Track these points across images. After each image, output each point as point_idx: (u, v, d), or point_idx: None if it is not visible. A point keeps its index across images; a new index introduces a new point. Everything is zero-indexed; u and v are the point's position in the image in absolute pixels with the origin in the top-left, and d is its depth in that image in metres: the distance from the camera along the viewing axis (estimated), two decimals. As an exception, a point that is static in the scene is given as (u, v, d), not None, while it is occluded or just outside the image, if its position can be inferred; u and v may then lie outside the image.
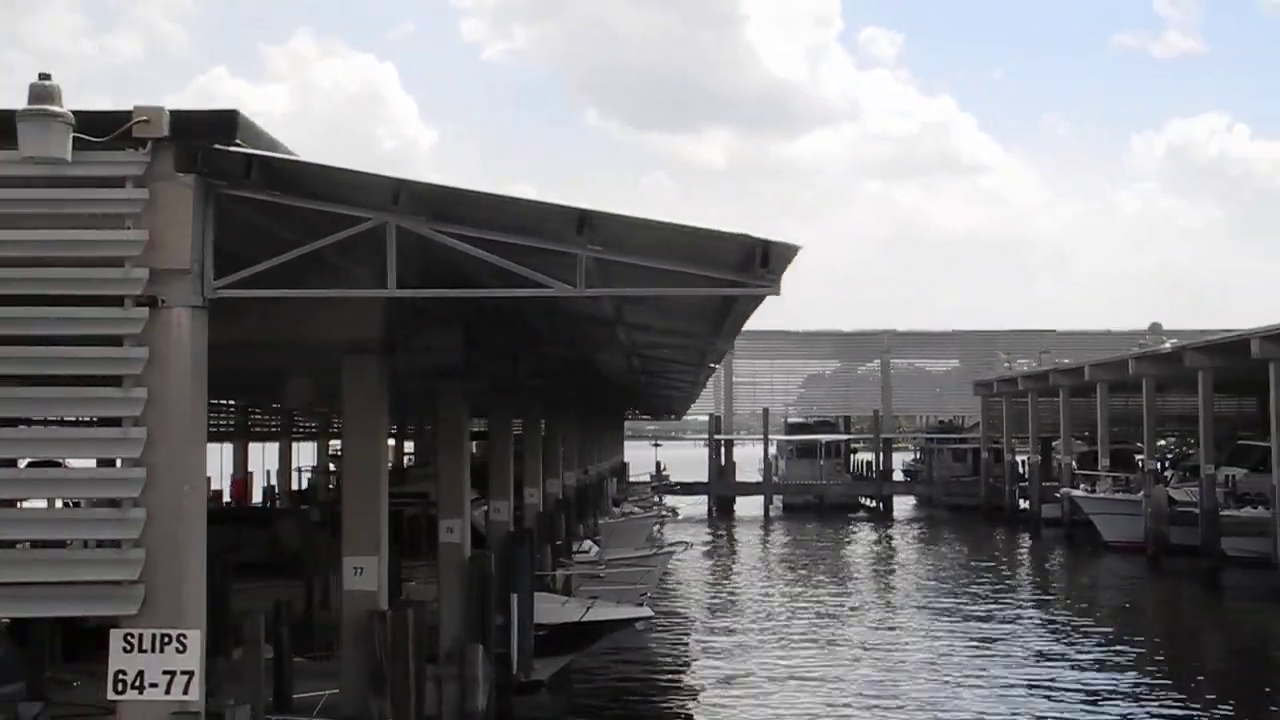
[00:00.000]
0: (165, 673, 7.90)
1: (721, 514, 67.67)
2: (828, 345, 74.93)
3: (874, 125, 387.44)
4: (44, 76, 7.69)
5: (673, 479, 68.99)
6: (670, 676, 25.03)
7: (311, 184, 8.38)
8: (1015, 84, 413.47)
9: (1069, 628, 30.41)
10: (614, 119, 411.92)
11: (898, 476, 75.92)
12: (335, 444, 53.40)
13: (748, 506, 69.21)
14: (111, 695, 7.90)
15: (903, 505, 71.30)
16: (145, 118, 7.82)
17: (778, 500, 70.96)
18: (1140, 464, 55.42)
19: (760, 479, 71.83)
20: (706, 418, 74.71)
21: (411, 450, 63.06)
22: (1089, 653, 26.75)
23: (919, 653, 26.53)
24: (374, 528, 13.14)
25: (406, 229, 8.38)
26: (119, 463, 8.13)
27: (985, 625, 30.33)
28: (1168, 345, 43.90)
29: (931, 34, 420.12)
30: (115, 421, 7.98)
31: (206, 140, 7.95)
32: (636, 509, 48.24)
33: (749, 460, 77.02)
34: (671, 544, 34.88)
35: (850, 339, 74.97)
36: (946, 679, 23.85)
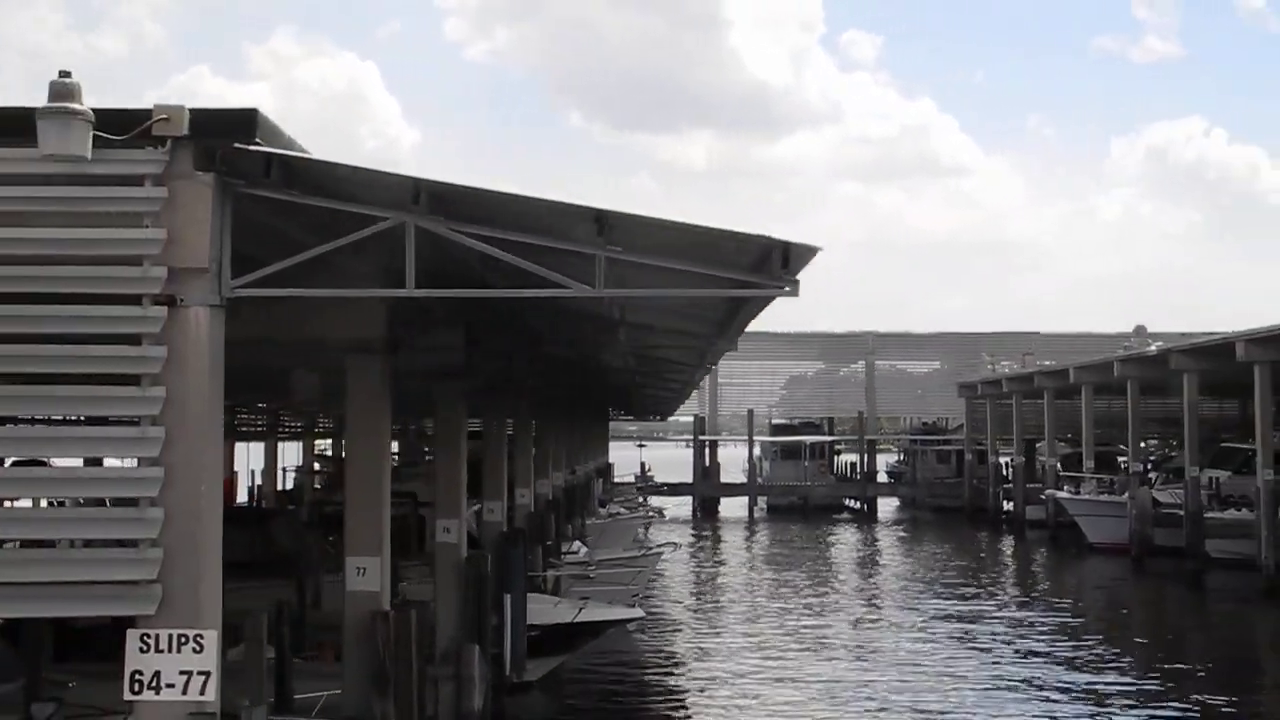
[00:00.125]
0: (182, 673, 7.86)
1: (706, 515, 67.75)
2: (812, 346, 75.08)
3: (854, 127, 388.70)
4: (64, 74, 7.65)
5: (657, 480, 69.04)
6: (659, 677, 25.05)
7: (330, 183, 8.36)
8: (995, 87, 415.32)
9: (1055, 628, 30.55)
10: (597, 120, 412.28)
11: (881, 478, 76.11)
12: (321, 444, 53.32)
13: (732, 507, 69.35)
14: (128, 695, 7.85)
15: (886, 507, 71.49)
16: (165, 116, 7.78)
17: (762, 501, 71.07)
18: (1123, 466, 55.76)
19: (744, 480, 72.00)
20: (690, 419, 74.78)
21: (396, 450, 62.81)
22: (1075, 653, 26.89)
23: (905, 653, 26.65)
24: (377, 528, 13.12)
25: (424, 229, 8.36)
26: (130, 462, 8.11)
27: (971, 626, 30.47)
28: (1153, 348, 44.09)
29: (912, 37, 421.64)
30: (133, 421, 7.95)
31: (226, 139, 7.93)
32: (623, 510, 48.31)
33: (733, 461, 77.16)
34: (660, 545, 34.91)
35: (835, 340, 75.16)
36: (932, 679, 23.97)
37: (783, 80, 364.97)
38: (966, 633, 29.41)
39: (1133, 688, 23.35)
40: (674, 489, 69.20)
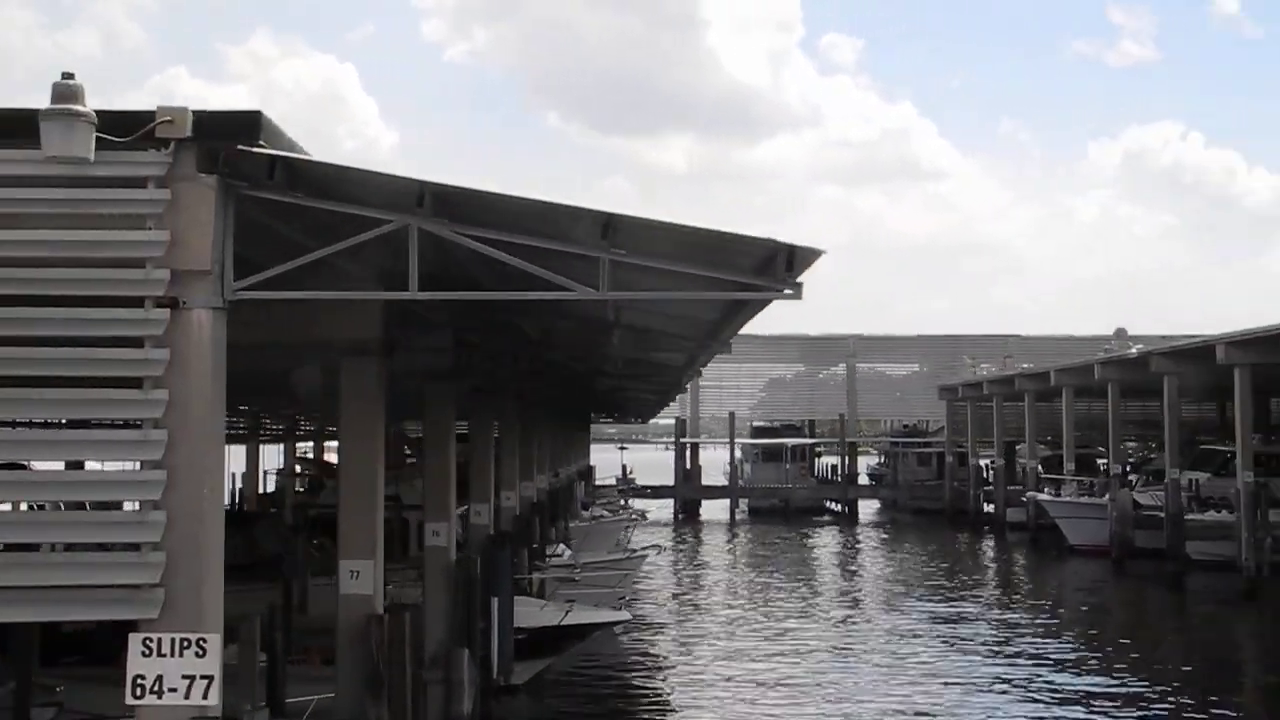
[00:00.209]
0: (185, 677, 7.83)
1: (687, 517, 67.75)
2: (794, 349, 75.14)
3: (834, 131, 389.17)
4: (67, 76, 7.62)
5: (638, 482, 69.02)
6: (644, 679, 25.07)
7: (334, 185, 8.34)
8: (974, 91, 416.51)
9: (1036, 630, 30.70)
10: (574, 121, 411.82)
11: (862, 480, 76.25)
12: (302, 446, 53.07)
13: (713, 510, 69.40)
14: (130, 700, 7.82)
15: (867, 509, 71.60)
16: (169, 118, 7.76)
17: (743, 504, 71.13)
18: (1103, 468, 56.00)
19: (725, 483, 72.05)
20: (670, 421, 74.79)
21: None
22: (1056, 655, 27.03)
23: (888, 655, 26.75)
24: (370, 531, 13.09)
25: (426, 232, 8.35)
26: (129, 464, 8.07)
27: (953, 627, 30.62)
28: (1134, 350, 44.28)
29: (892, 40, 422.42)
30: (135, 424, 7.91)
31: (230, 141, 7.90)
32: (605, 513, 48.23)
33: (713, 464, 77.22)
34: (645, 547, 34.89)
35: (816, 343, 75.28)
36: (915, 681, 24.10)
37: (762, 83, 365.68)
38: (948, 634, 29.51)
39: (1114, 689, 23.43)
40: (655, 491, 69.18)
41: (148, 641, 7.82)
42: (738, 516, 68.09)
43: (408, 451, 52.15)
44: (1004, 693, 23.12)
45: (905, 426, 77.05)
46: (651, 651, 27.41)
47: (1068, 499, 48.57)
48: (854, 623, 31.72)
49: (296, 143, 8.52)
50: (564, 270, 8.90)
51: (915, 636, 29.08)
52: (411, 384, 16.92)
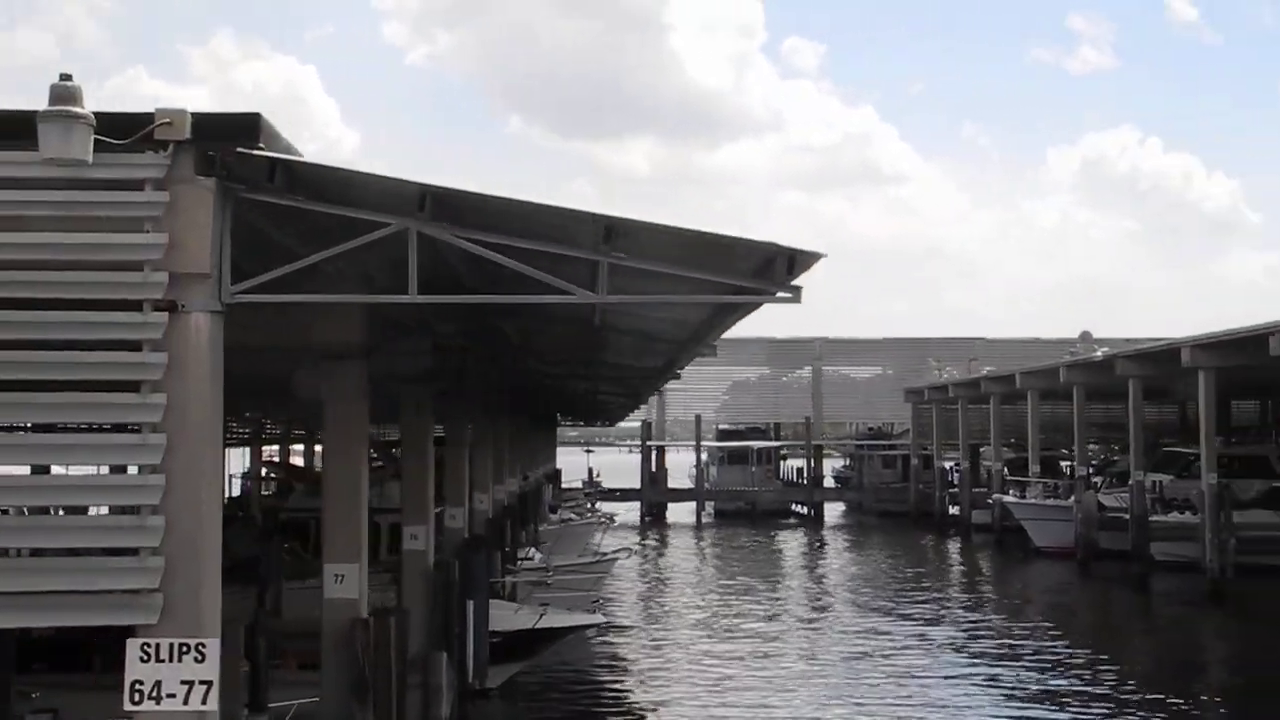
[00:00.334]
0: (183, 683, 7.78)
1: (654, 520, 67.79)
2: (759, 352, 75.26)
3: (797, 136, 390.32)
4: (65, 77, 7.56)
5: (605, 485, 69.02)
6: (615, 681, 25.11)
7: (333, 188, 8.32)
8: (935, 95, 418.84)
9: (1002, 631, 30.95)
10: (537, 125, 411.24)
11: (828, 483, 76.52)
12: (268, 449, 52.72)
13: (679, 513, 69.49)
14: (128, 706, 7.76)
15: (833, 511, 71.88)
16: (168, 120, 7.71)
17: (709, 506, 71.24)
18: (1066, 470, 56.45)
19: (691, 485, 72.16)
20: (635, 424, 74.74)
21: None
22: (1022, 655, 27.23)
23: (856, 655, 26.94)
24: (355, 535, 13.05)
25: (425, 235, 8.33)
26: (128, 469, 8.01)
27: (920, 628, 30.88)
28: (1099, 353, 44.64)
29: (854, 45, 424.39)
30: (133, 427, 7.86)
31: (229, 143, 7.86)
32: (573, 516, 48.24)
33: (678, 467, 77.30)
34: (616, 550, 34.92)
35: (782, 346, 75.43)
36: (882, 682, 24.31)
37: (724, 87, 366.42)
38: (916, 635, 29.73)
39: (1080, 689, 23.60)
40: (622, 495, 69.20)
41: (146, 647, 7.76)
42: (704, 519, 68.18)
43: (373, 455, 51.97)
44: (972, 693, 23.31)
45: (870, 429, 77.37)
46: (622, 654, 27.43)
47: (1033, 501, 48.93)
48: (822, 624, 31.88)
49: (293, 145, 8.49)
50: (554, 273, 8.91)
51: (882, 636, 29.31)
52: (383, 388, 16.90)
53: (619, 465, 77.54)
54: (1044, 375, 47.86)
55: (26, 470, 9.69)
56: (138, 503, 7.78)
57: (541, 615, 22.59)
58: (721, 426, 78.20)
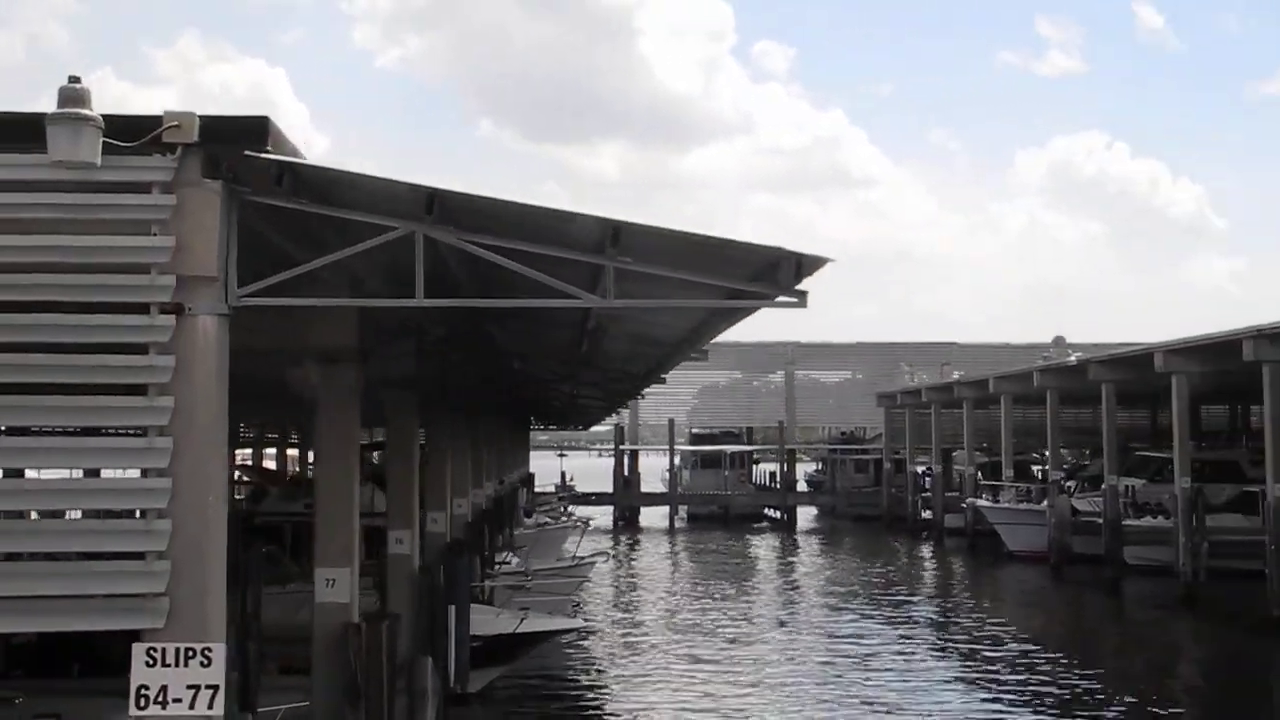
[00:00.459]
0: (189, 687, 7.75)
1: (627, 524, 67.80)
2: (732, 356, 75.37)
3: (767, 139, 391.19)
4: (74, 79, 7.53)
5: (579, 489, 69.00)
6: (592, 685, 25.17)
7: (339, 191, 8.32)
8: (904, 98, 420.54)
9: (977, 633, 31.18)
10: (508, 128, 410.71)
11: (801, 487, 76.73)
12: (241, 453, 52.46)
13: (652, 517, 69.55)
14: (134, 711, 7.72)
15: (805, 515, 72.05)
16: (176, 123, 7.69)
17: (683, 510, 71.31)
18: (1038, 474, 56.80)
19: (664, 489, 72.18)
20: (606, 428, 74.69)
21: (313, 461, 62.19)
22: (997, 657, 27.49)
23: (829, 660, 27.05)
24: (347, 539, 13.02)
25: (431, 238, 8.34)
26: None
27: (895, 630, 31.09)
28: (1073, 358, 44.94)
29: (823, 48, 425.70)
30: (139, 431, 7.83)
31: (237, 147, 7.85)
32: (548, 520, 48.20)
33: (651, 470, 77.34)
34: (594, 554, 34.95)
35: (755, 350, 75.52)
36: (855, 681, 24.57)
37: (694, 91, 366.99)
38: (889, 638, 29.86)
39: (1054, 692, 23.75)
40: (595, 498, 69.19)
41: (152, 651, 7.73)
42: (677, 523, 68.26)
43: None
44: (944, 696, 23.47)
45: (843, 434, 77.61)
46: (599, 658, 27.46)
47: (1006, 505, 49.18)
48: (797, 628, 32.01)
49: (298, 149, 8.48)
50: (551, 276, 8.91)
51: (856, 640, 29.45)
52: (369, 392, 16.86)
53: (590, 469, 77.53)
54: (1018, 380, 48.12)
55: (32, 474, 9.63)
56: (144, 506, 7.76)
57: (522, 620, 22.57)
58: (694, 430, 78.28)
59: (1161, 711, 22.59)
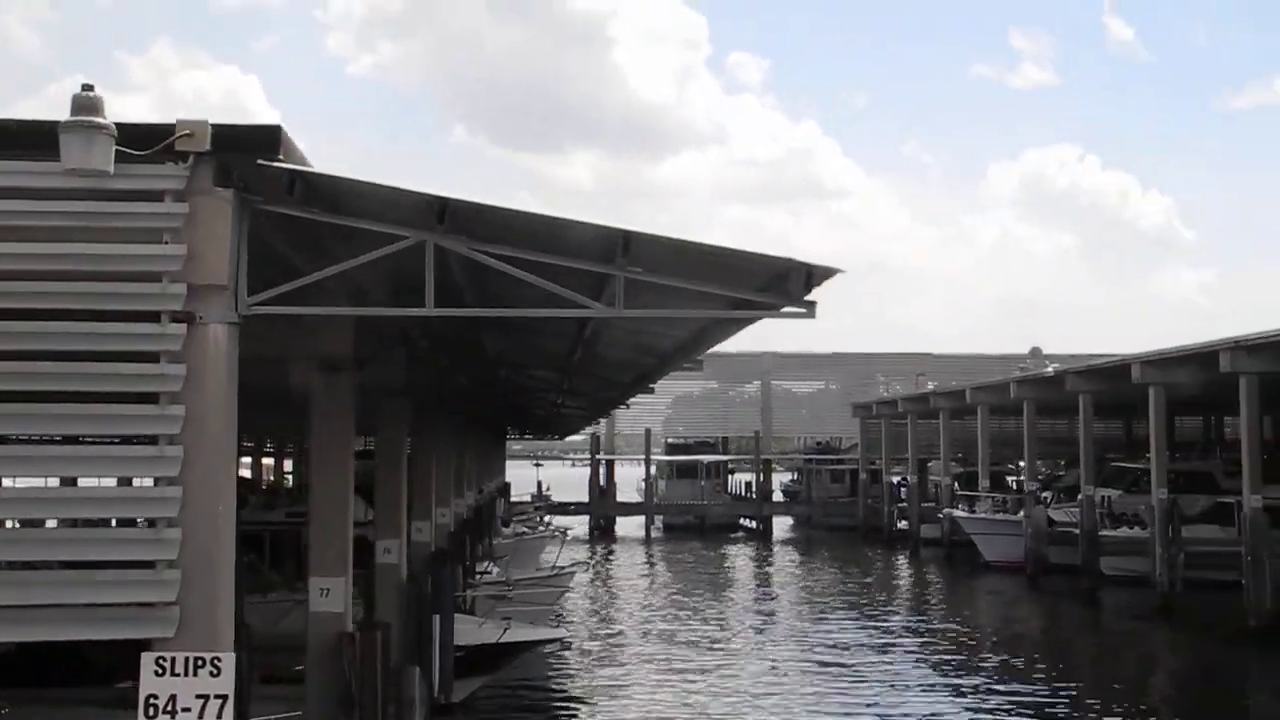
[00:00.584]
0: (199, 697, 7.73)
1: (603, 534, 67.77)
2: (708, 366, 75.37)
3: (740, 150, 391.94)
4: (87, 87, 7.52)
5: (554, 499, 68.94)
6: (575, 695, 25.17)
7: (349, 200, 8.32)
8: (878, 110, 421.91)
9: (955, 643, 31.34)
10: (480, 136, 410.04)
11: (777, 497, 76.84)
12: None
13: (628, 527, 69.54)
14: (142, 720, 7.71)
15: (781, 525, 72.17)
16: (189, 131, 7.69)
17: (659, 520, 71.33)
18: (1013, 485, 57.12)
19: (639, 499, 72.21)
20: (580, 437, 74.65)
21: (289, 470, 62.07)
22: (973, 669, 27.62)
23: (807, 670, 27.17)
24: (341, 548, 12.98)
25: (440, 247, 8.35)
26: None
27: (872, 639, 31.18)
28: (1050, 369, 45.19)
29: (798, 60, 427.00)
30: (150, 439, 7.82)
31: (250, 155, 7.85)
32: (526, 529, 48.15)
33: (627, 480, 77.34)
34: (572, 564, 34.92)
35: (731, 360, 75.66)
36: (833, 691, 24.69)
37: (668, 101, 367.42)
38: (865, 648, 29.95)
39: (1031, 702, 23.91)
40: (571, 508, 69.13)
41: (161, 660, 7.71)
42: (653, 533, 68.28)
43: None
44: (920, 706, 23.57)
45: (818, 444, 77.79)
46: (579, 667, 27.46)
47: (983, 515, 49.38)
48: (774, 637, 32.11)
49: (306, 157, 8.49)
50: (556, 285, 8.92)
51: (833, 649, 29.59)
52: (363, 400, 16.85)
53: (565, 479, 77.48)
54: (994, 390, 48.35)
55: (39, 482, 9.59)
56: (155, 515, 7.74)
57: (505, 630, 22.55)
58: (670, 440, 78.34)
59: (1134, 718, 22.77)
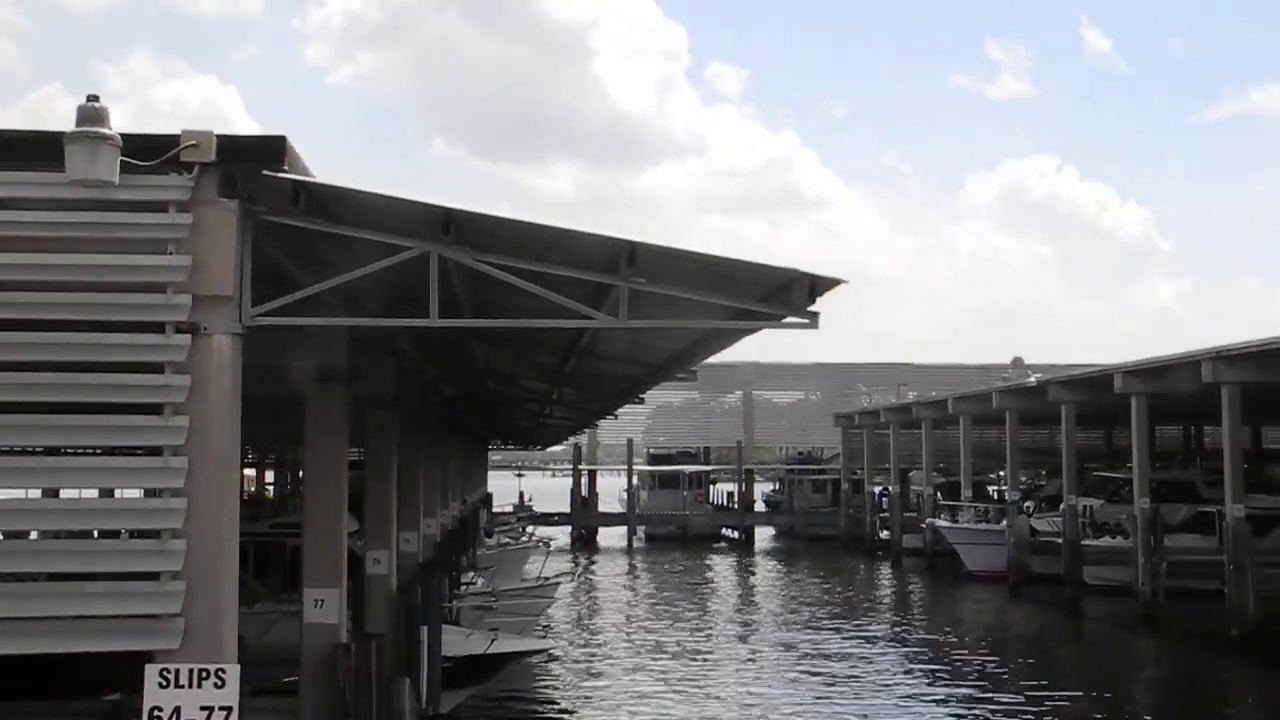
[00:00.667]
0: (203, 708, 7.72)
1: (585, 545, 67.70)
2: (690, 376, 75.41)
3: (719, 160, 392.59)
4: (92, 98, 7.52)
5: (536, 509, 68.86)
6: (560, 705, 25.15)
7: (353, 211, 8.33)
8: (857, 120, 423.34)
9: (939, 653, 31.40)
10: (461, 147, 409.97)
11: (759, 507, 76.87)
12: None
13: (610, 537, 69.48)
14: (146, 731, 7.68)
15: (763, 535, 72.22)
16: (194, 142, 7.69)
17: (640, 530, 71.27)
18: (994, 494, 57.26)
19: (621, 509, 72.15)
20: (560, 447, 74.52)
21: (271, 480, 61.82)
22: (958, 677, 27.71)
23: (790, 680, 27.19)
24: (335, 559, 12.96)
25: (446, 258, 8.36)
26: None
27: (854, 650, 31.19)
28: (1033, 379, 45.33)
29: (776, 71, 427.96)
30: (155, 450, 7.80)
31: (254, 166, 7.85)
32: (509, 540, 48.09)
33: (608, 490, 77.28)
34: (557, 575, 34.90)
35: (713, 370, 75.65)
36: (815, 700, 24.70)
37: (648, 111, 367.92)
38: (849, 657, 29.98)
39: (1014, 711, 23.96)
40: (553, 519, 69.06)
41: (165, 672, 7.69)
42: (635, 543, 68.23)
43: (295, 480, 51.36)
44: (908, 713, 23.65)
45: (800, 454, 77.84)
46: (564, 678, 27.41)
47: (966, 525, 49.48)
48: (757, 647, 32.11)
49: (309, 168, 8.49)
50: (557, 295, 8.93)
51: (817, 659, 29.60)
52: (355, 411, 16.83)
53: (546, 489, 77.39)
54: (976, 400, 48.42)
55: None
56: (160, 526, 7.72)
57: (492, 640, 22.51)
58: (652, 451, 78.31)
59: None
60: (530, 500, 69.83)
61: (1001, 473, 56.06)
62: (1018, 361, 56.50)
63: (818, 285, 8.11)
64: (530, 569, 40.17)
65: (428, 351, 15.76)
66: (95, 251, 7.74)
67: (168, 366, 7.76)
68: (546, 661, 27.71)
